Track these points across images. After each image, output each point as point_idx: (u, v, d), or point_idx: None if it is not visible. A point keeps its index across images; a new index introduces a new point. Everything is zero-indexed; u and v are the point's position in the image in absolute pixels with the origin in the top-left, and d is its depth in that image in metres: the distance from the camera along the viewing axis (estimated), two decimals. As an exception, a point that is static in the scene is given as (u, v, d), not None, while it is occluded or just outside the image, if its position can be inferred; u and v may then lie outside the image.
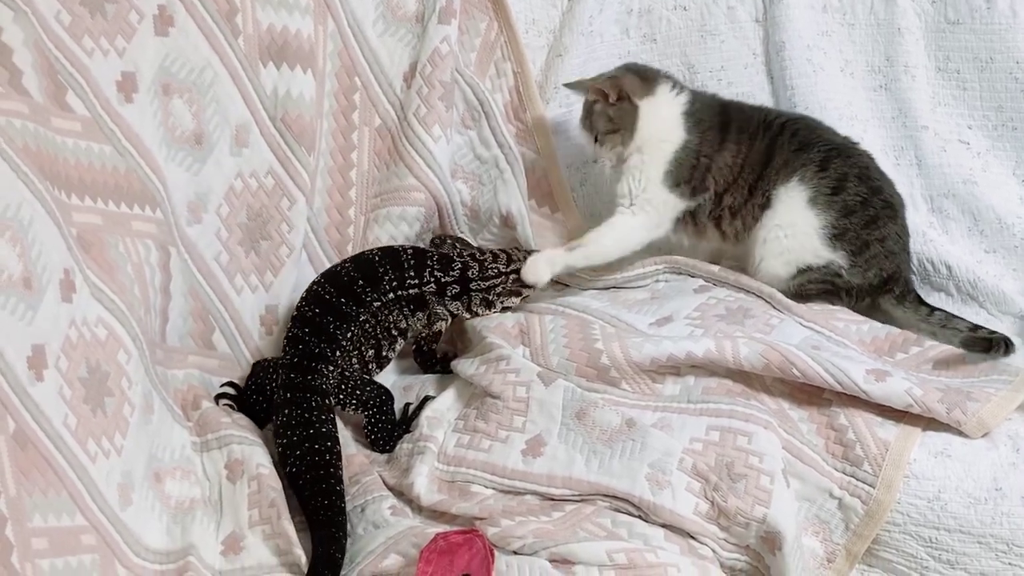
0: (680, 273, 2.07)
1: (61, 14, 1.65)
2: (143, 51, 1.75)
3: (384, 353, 1.90)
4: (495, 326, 1.89)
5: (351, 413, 1.83)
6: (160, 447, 1.61)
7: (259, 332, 1.90)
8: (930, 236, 2.16)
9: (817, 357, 1.72)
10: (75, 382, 1.45)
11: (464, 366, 1.85)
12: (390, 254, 1.91)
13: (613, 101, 2.00)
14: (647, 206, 2.01)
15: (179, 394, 1.74)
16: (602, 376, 1.78)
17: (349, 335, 1.82)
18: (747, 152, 2.01)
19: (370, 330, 1.85)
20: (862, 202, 1.97)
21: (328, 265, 1.99)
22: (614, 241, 2.03)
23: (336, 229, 2.04)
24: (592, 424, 1.70)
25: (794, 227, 1.97)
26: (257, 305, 1.90)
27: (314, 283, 1.87)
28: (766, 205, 2.00)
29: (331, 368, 1.78)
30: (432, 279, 1.91)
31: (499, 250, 2.02)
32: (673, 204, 2.02)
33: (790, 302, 1.95)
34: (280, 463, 1.68)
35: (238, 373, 1.87)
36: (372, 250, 1.92)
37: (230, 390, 1.83)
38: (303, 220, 1.93)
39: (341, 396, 1.79)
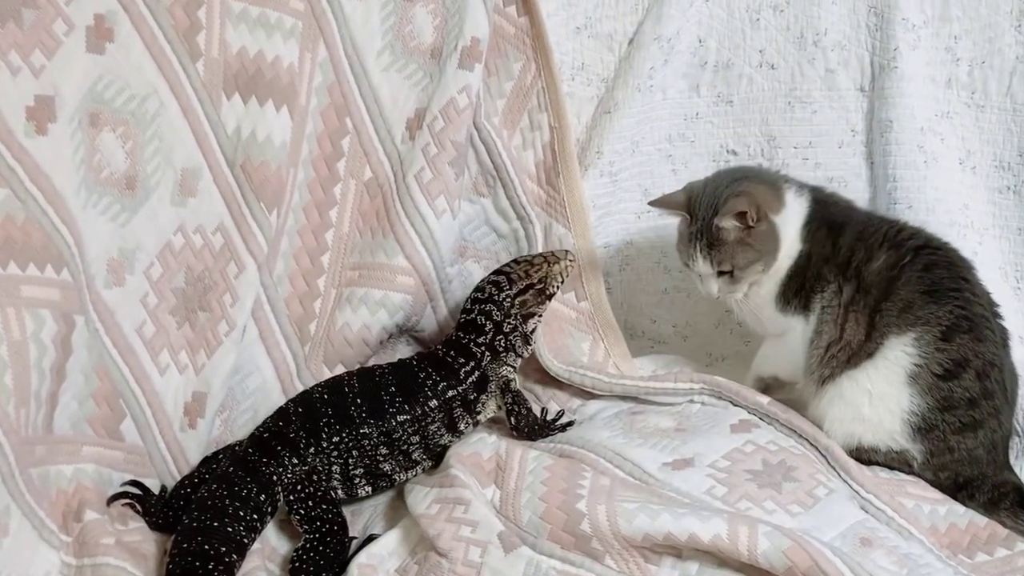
0: (721, 398, 1.68)
1: (-42, 20, 1.34)
2: (68, 71, 1.43)
3: (388, 471, 1.58)
4: (468, 455, 1.53)
5: (294, 523, 1.50)
6: (12, 578, 1.29)
7: (181, 422, 1.54)
8: (1042, 388, 1.71)
9: (858, 568, 1.30)
10: None
11: (416, 498, 1.49)
12: (427, 356, 1.66)
13: (753, 223, 1.60)
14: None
15: (62, 497, 1.41)
16: (581, 545, 1.39)
17: (335, 440, 1.53)
18: (866, 259, 1.59)
19: (368, 446, 1.55)
20: (969, 401, 1.55)
21: (283, 344, 1.66)
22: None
23: (299, 301, 1.66)
24: (552, 617, 1.33)
25: (882, 399, 1.56)
26: (183, 389, 1.54)
27: (346, 372, 1.64)
28: (872, 353, 1.57)
29: (296, 463, 1.51)
30: (480, 351, 1.63)
31: (494, 276, 1.68)
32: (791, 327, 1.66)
33: (850, 462, 1.54)
34: (168, 550, 1.39)
35: (147, 470, 1.53)
36: (407, 357, 1.67)
37: (133, 489, 1.50)
38: (252, 293, 1.58)
39: (292, 497, 1.50)
